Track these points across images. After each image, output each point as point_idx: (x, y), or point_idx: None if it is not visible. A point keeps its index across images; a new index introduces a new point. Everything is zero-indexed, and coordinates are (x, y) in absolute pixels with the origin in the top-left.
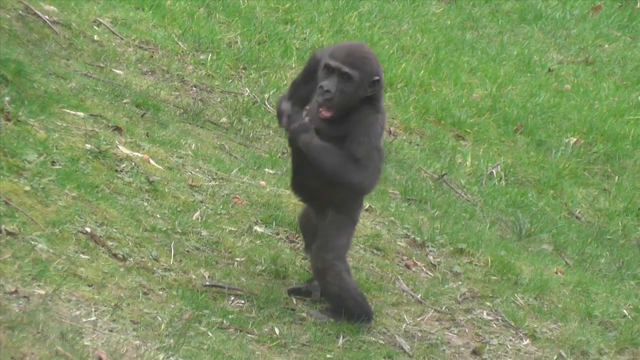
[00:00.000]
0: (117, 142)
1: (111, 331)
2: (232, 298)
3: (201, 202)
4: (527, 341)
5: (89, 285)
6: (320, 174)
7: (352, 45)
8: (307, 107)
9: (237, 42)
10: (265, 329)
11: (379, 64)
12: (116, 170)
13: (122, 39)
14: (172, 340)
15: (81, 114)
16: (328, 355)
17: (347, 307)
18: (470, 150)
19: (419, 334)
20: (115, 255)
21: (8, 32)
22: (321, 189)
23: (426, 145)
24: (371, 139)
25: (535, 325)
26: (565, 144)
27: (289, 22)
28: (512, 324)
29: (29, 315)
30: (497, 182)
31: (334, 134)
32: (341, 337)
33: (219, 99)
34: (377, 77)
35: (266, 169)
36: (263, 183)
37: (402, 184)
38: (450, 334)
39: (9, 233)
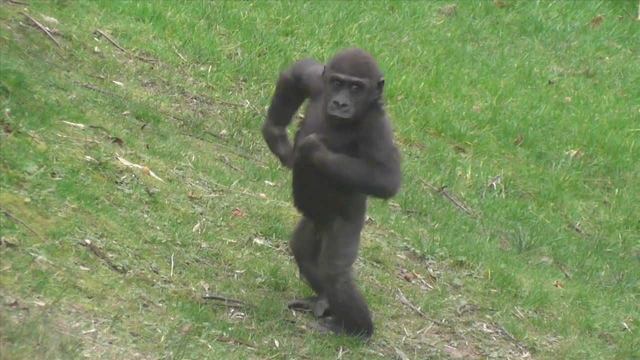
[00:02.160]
0: (117, 153)
1: (111, 343)
2: (232, 310)
3: (201, 214)
4: (526, 354)
5: (88, 297)
6: (342, 186)
7: (351, 53)
8: (302, 122)
9: (237, 53)
10: (265, 342)
11: (378, 65)
12: (116, 182)
13: (123, 51)
14: (171, 353)
15: (81, 125)
16: None
17: (350, 317)
18: (470, 163)
19: (419, 347)
20: (115, 267)
21: (8, 43)
22: (327, 200)
23: (426, 157)
24: (386, 140)
25: (535, 338)
26: (566, 157)
27: (290, 33)
28: (512, 337)
29: (29, 327)
30: (497, 195)
31: (341, 143)
32: (341, 349)
33: (219, 111)
34: (382, 78)
35: (266, 181)
36: (263, 195)
37: (402, 197)
38: (450, 347)
39: (8, 244)
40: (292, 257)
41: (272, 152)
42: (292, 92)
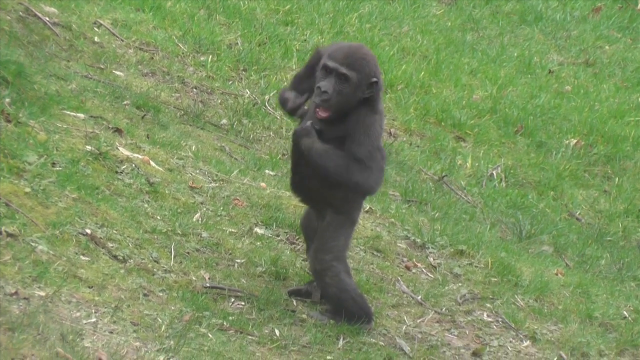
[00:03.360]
0: (117, 143)
1: (111, 333)
2: (233, 300)
3: (201, 203)
4: (527, 343)
5: (89, 287)
6: (324, 177)
7: (351, 46)
8: (306, 107)
9: (237, 43)
10: (266, 331)
11: (378, 65)
12: (116, 172)
13: (123, 41)
14: (172, 342)
15: (81, 115)
16: (328, 357)
17: (346, 309)
18: (470, 152)
19: (419, 336)
20: (115, 257)
21: (8, 33)
22: (320, 189)
23: (426, 146)
24: (371, 139)
25: (536, 327)
26: (566, 146)
27: (290, 23)
28: (513, 326)
29: (29, 316)
30: (497, 184)
31: (333, 135)
32: (341, 338)
33: (219, 101)
34: (375, 79)
35: (266, 171)
36: (263, 185)
37: (402, 186)
38: (451, 336)
39: (9, 234)
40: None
41: (282, 112)
42: (314, 67)
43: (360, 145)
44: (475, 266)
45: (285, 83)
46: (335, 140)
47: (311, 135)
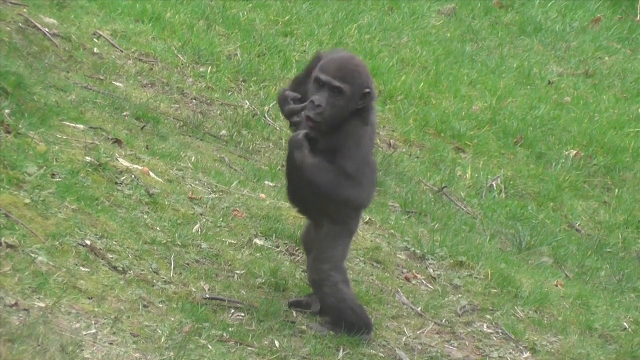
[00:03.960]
0: (116, 154)
1: (111, 344)
2: (232, 311)
3: (201, 214)
4: (527, 354)
5: (88, 298)
6: (315, 191)
7: (342, 58)
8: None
9: (236, 54)
10: (265, 342)
11: (370, 75)
12: (116, 183)
13: (122, 52)
14: (172, 353)
15: (81, 126)
16: None
17: (345, 319)
18: (470, 163)
19: (419, 347)
20: (115, 268)
21: (8, 44)
22: (314, 199)
23: (426, 157)
24: (361, 151)
25: (535, 338)
26: (565, 157)
27: (289, 34)
28: (512, 337)
29: (29, 327)
30: (497, 195)
31: (324, 147)
32: (341, 350)
33: (218, 112)
34: (367, 90)
35: (266, 182)
36: (263, 196)
37: (401, 197)
38: (450, 347)
39: (8, 245)
40: (303, 250)
41: (281, 113)
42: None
43: (350, 158)
44: (475, 277)
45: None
46: (326, 152)
47: (303, 148)
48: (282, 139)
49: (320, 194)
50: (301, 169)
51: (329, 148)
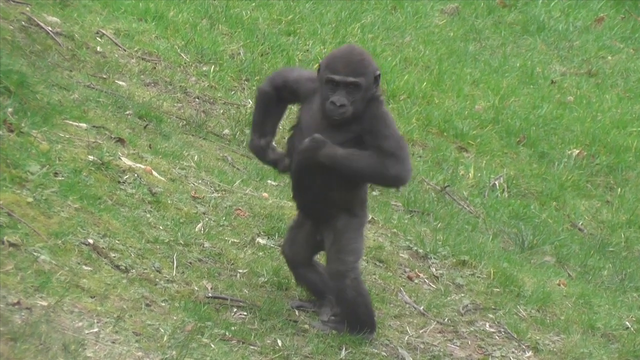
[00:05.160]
0: (119, 153)
1: (114, 343)
2: (235, 310)
3: (204, 213)
4: (529, 353)
5: (91, 297)
6: (353, 179)
7: (345, 52)
8: (297, 126)
9: (239, 53)
10: (268, 341)
11: (372, 58)
12: (119, 182)
13: (125, 50)
14: (174, 352)
15: (84, 125)
16: None
17: (357, 314)
18: (472, 162)
19: (422, 346)
20: (117, 267)
21: (11, 43)
22: (332, 198)
23: (429, 157)
24: (393, 129)
25: (538, 337)
26: (568, 156)
27: (292, 33)
28: (515, 336)
29: (32, 326)
30: (499, 194)
31: (340, 140)
32: (344, 349)
33: (221, 111)
34: (378, 72)
35: (269, 181)
36: (265, 195)
37: (404, 196)
38: (453, 346)
39: (11, 244)
40: (287, 266)
41: (263, 163)
42: (273, 103)
43: (386, 138)
44: (478, 276)
45: None
46: (347, 143)
47: (327, 144)
48: (283, 138)
49: (364, 179)
50: (334, 163)
51: (347, 140)
